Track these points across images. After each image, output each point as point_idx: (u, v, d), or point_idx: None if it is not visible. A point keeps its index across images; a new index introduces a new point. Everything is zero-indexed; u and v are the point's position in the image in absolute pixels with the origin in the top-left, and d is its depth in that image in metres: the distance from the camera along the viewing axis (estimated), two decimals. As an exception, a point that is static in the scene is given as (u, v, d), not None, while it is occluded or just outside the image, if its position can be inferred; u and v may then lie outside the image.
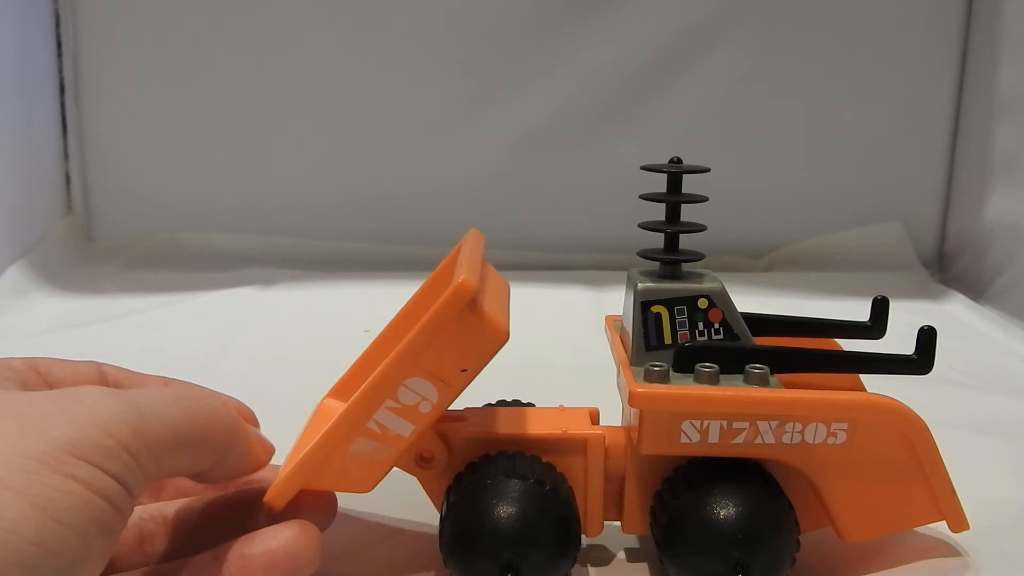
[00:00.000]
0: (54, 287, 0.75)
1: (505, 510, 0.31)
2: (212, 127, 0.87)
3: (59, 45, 0.84)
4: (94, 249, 0.86)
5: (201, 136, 0.87)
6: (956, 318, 0.75)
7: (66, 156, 0.86)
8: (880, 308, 0.38)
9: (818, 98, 0.88)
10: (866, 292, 0.78)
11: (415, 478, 0.35)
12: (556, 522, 0.32)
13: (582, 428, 0.35)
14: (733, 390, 0.32)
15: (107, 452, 0.24)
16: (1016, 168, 0.79)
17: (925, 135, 0.89)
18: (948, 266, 0.90)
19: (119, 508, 0.24)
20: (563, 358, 0.62)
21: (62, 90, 0.85)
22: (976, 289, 0.83)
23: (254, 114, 0.87)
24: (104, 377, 0.32)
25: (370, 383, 0.31)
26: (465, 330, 0.30)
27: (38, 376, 0.30)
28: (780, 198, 0.89)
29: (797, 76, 0.87)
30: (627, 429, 0.35)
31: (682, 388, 0.32)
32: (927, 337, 0.34)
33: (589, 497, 0.35)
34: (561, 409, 0.37)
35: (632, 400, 0.32)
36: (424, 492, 0.35)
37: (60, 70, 0.84)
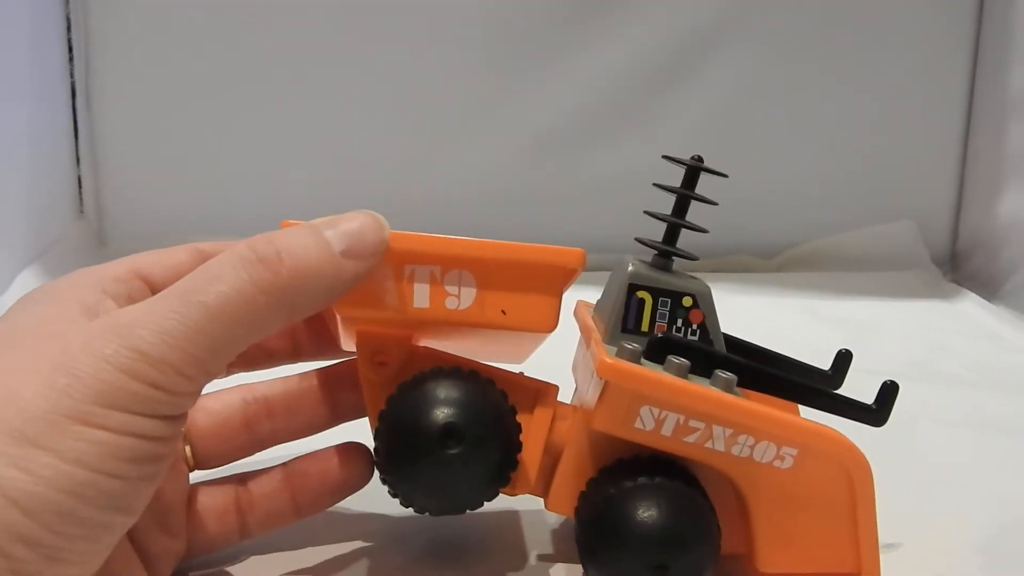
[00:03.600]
0: (67, 291, 0.75)
1: (446, 393, 0.31)
2: (224, 132, 0.87)
3: (70, 50, 0.84)
4: (106, 253, 0.87)
5: (213, 141, 0.87)
6: (969, 317, 0.75)
7: (77, 160, 0.86)
8: (842, 362, 0.38)
9: (829, 98, 0.88)
10: (878, 292, 0.79)
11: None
12: (495, 407, 0.32)
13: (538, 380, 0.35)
14: (699, 387, 0.32)
15: (134, 397, 0.25)
16: (1029, 166, 0.79)
17: (937, 133, 0.89)
18: (961, 265, 0.89)
19: (158, 436, 0.26)
20: (562, 357, 0.62)
21: (73, 94, 0.85)
22: (989, 288, 0.82)
23: (266, 119, 0.87)
24: (203, 259, 0.34)
25: (441, 240, 0.31)
26: (542, 287, 0.32)
27: (141, 282, 0.32)
28: (792, 198, 0.89)
29: (808, 75, 0.87)
30: (576, 408, 0.35)
31: (652, 371, 0.32)
32: (888, 392, 0.34)
33: (528, 446, 0.34)
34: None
35: (600, 369, 0.32)
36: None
37: (71, 75, 0.85)
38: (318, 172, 0.88)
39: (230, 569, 0.35)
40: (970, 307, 0.78)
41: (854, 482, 0.33)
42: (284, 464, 0.36)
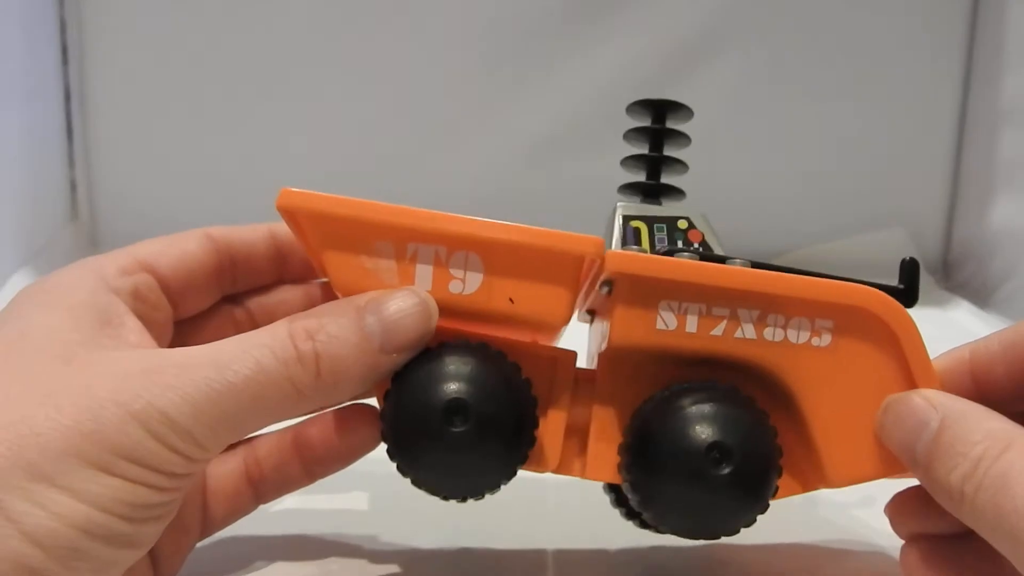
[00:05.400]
0: (59, 293, 0.75)
1: (452, 368, 0.29)
2: (218, 134, 0.87)
3: (64, 52, 0.84)
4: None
5: (208, 144, 0.87)
6: (961, 325, 0.75)
7: (71, 163, 0.86)
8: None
9: (822, 104, 0.88)
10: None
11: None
12: (506, 380, 0.29)
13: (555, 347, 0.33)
14: (713, 264, 0.30)
15: (153, 455, 0.26)
16: (1021, 175, 0.79)
17: (930, 141, 0.89)
18: (953, 273, 0.90)
19: (170, 488, 0.27)
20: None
21: (67, 97, 0.85)
22: (981, 296, 0.82)
23: (261, 123, 0.87)
24: (213, 247, 0.34)
25: (448, 217, 0.29)
26: (555, 276, 0.29)
27: (147, 274, 0.32)
28: (783, 204, 0.89)
29: (800, 82, 0.87)
30: (592, 370, 0.33)
31: (662, 256, 0.31)
32: (911, 268, 0.32)
33: (549, 419, 0.31)
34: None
35: (608, 262, 0.30)
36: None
37: (66, 77, 0.85)
38: (314, 175, 0.88)
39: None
40: (962, 315, 0.78)
41: (899, 338, 0.30)
42: (293, 429, 0.35)
